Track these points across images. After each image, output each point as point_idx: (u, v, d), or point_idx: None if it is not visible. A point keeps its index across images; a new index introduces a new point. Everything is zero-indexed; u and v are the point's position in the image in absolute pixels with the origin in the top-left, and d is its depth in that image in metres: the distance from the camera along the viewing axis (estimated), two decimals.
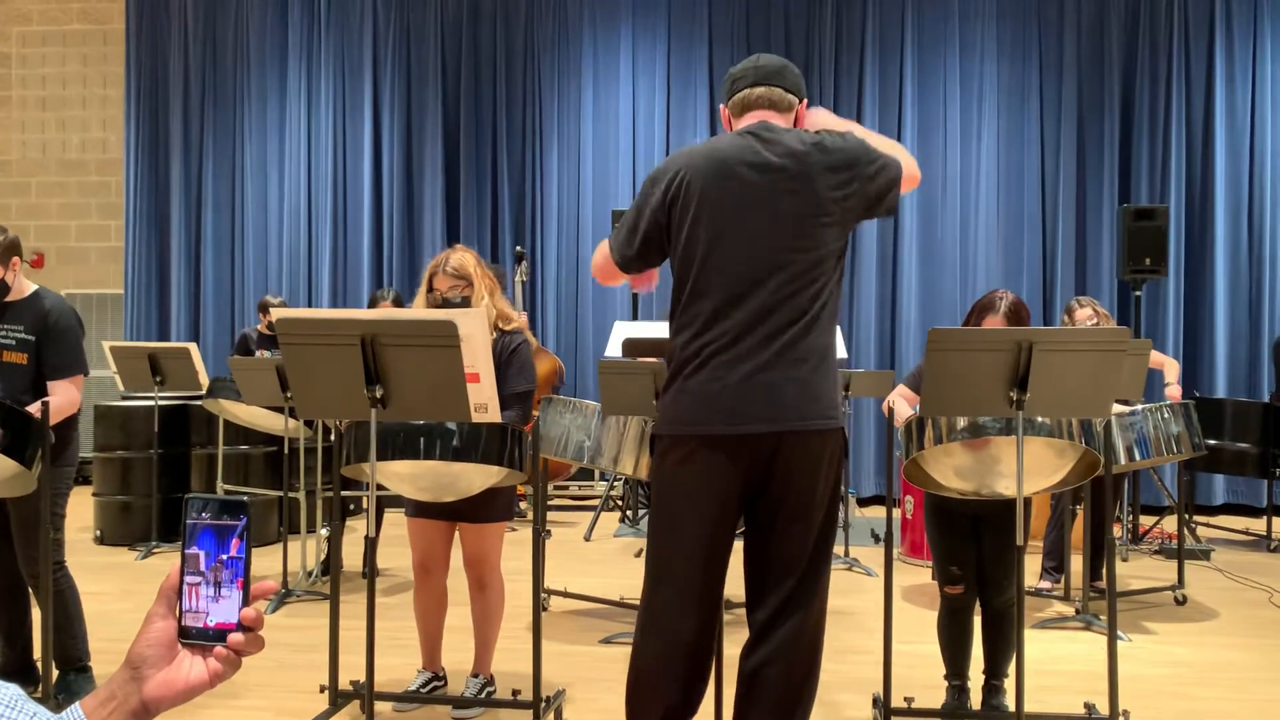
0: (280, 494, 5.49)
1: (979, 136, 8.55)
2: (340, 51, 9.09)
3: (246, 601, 1.06)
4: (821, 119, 2.66)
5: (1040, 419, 2.98)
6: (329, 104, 9.07)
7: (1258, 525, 7.30)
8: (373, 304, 5.81)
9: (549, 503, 7.81)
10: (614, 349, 6.40)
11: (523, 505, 7.37)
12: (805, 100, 2.66)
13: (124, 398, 7.00)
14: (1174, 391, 5.53)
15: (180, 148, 9.29)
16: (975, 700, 3.59)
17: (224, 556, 1.06)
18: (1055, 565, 5.31)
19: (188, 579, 1.06)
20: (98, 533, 6.56)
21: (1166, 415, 4.62)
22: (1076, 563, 5.23)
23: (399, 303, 5.61)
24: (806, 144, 2.48)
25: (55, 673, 3.49)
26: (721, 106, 2.70)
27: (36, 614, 3.47)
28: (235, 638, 1.05)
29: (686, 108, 8.80)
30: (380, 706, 3.58)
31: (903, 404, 3.42)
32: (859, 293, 8.60)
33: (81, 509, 7.33)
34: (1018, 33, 8.52)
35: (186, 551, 1.06)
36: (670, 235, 2.54)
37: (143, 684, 1.03)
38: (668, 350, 2.59)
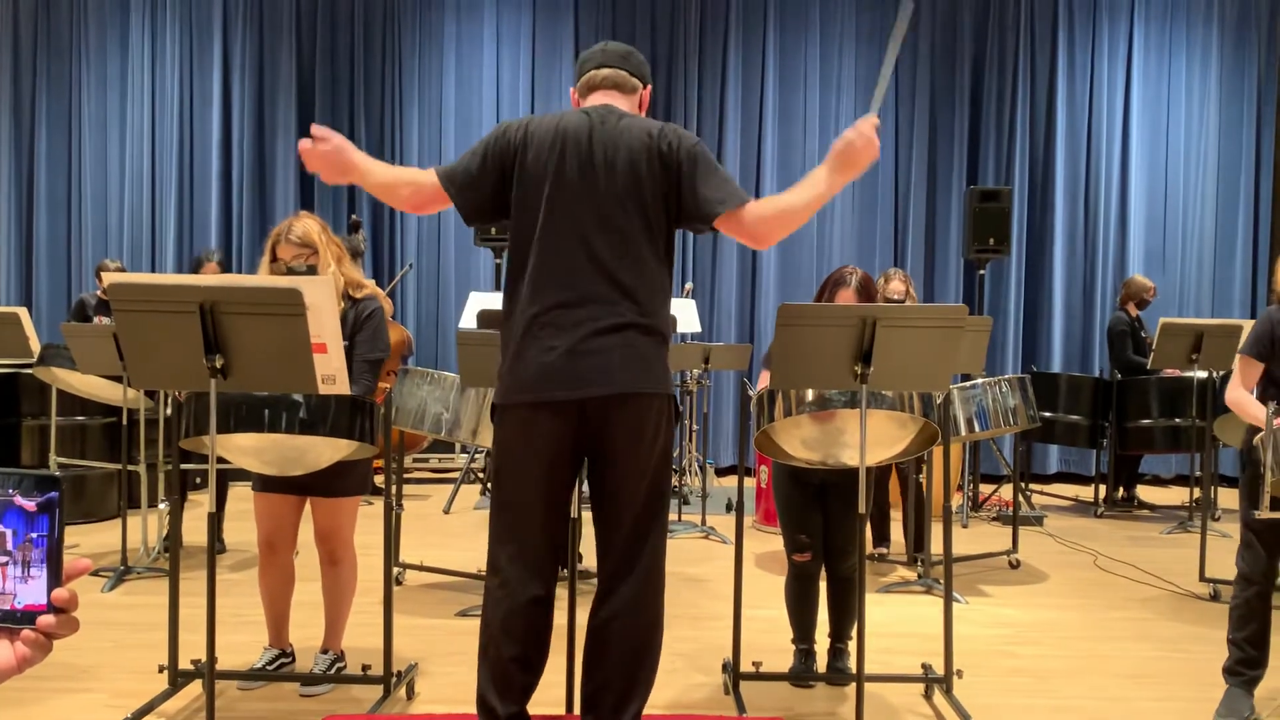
0: (119, 467, 5.25)
1: (837, 121, 8.75)
2: (188, 5, 8.64)
3: (59, 581, 1.01)
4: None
5: (884, 393, 3.09)
6: (175, 60, 8.63)
7: (1086, 493, 7.77)
8: (196, 265, 5.59)
9: (408, 476, 7.69)
10: (469, 320, 6.33)
11: (379, 479, 7.24)
12: (650, 86, 2.78)
13: None
14: None
15: (9, 100, 8.69)
16: (821, 663, 3.72)
17: (33, 535, 1.01)
18: (884, 532, 5.55)
19: None
20: None
21: (1004, 389, 4.85)
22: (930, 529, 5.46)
23: (224, 265, 5.42)
24: (643, 131, 2.56)
25: None
26: (571, 89, 2.79)
27: None
28: (45, 620, 1.00)
29: (551, 77, 8.71)
30: (224, 685, 3.47)
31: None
32: (720, 269, 8.73)
33: None
34: (875, 22, 8.75)
35: None
36: (503, 197, 2.62)
37: None
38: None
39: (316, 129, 2.57)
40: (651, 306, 2.57)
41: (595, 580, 2.73)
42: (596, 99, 2.68)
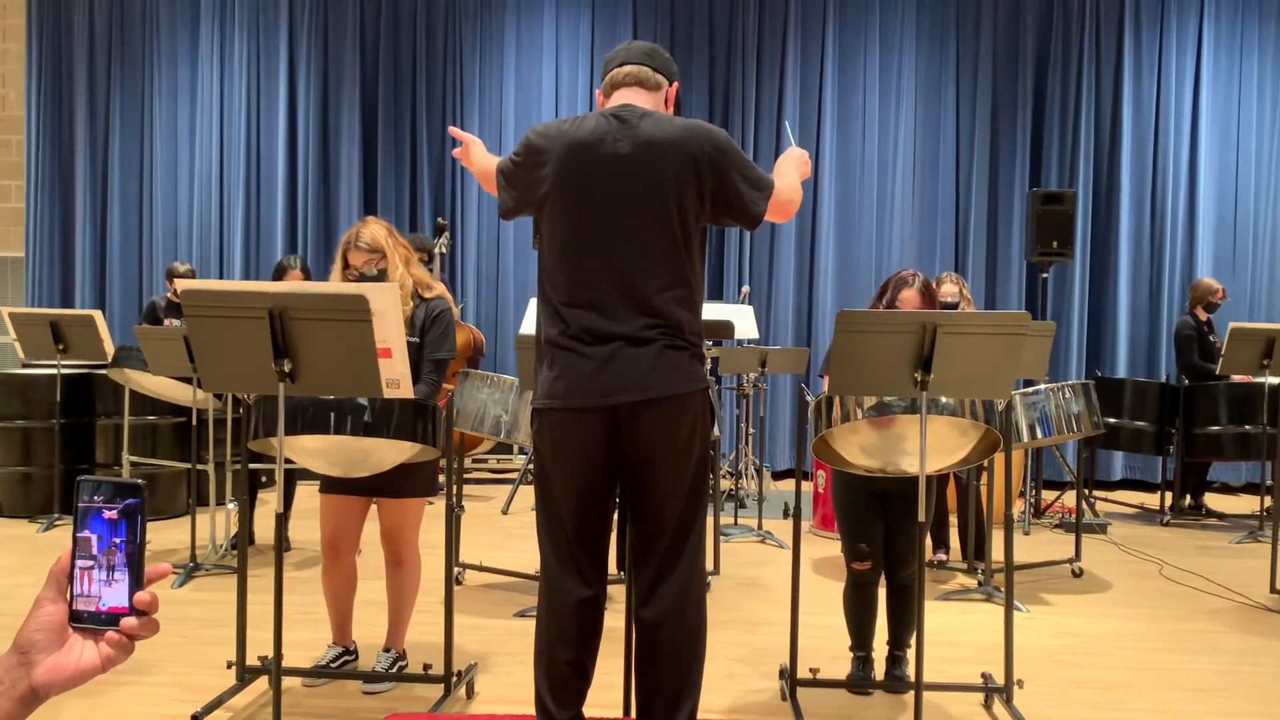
0: (189, 466, 5.38)
1: (897, 122, 8.69)
2: (255, 12, 8.84)
3: (140, 585, 1.05)
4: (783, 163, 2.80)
5: (944, 399, 3.06)
6: (242, 67, 8.83)
7: (1152, 500, 7.61)
8: (279, 272, 5.65)
9: (467, 476, 7.77)
10: (528, 324, 6.38)
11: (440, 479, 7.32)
12: (676, 83, 2.75)
13: (24, 365, 6.78)
14: None
15: (85, 108, 8.96)
16: (879, 671, 3.70)
17: (117, 540, 1.04)
18: (943, 538, 5.49)
19: (79, 563, 1.04)
20: None
21: (1067, 395, 4.78)
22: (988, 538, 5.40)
23: (306, 271, 5.50)
24: (667, 130, 2.54)
25: None
26: (597, 91, 2.77)
27: None
28: (128, 622, 1.04)
29: None
30: (289, 682, 3.54)
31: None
32: (777, 272, 8.71)
33: None
34: (936, 22, 8.67)
35: (78, 535, 1.04)
36: (531, 206, 2.67)
37: (31, 669, 1.01)
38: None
39: (454, 131, 2.98)
40: (679, 317, 2.57)
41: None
42: (620, 97, 2.66)
